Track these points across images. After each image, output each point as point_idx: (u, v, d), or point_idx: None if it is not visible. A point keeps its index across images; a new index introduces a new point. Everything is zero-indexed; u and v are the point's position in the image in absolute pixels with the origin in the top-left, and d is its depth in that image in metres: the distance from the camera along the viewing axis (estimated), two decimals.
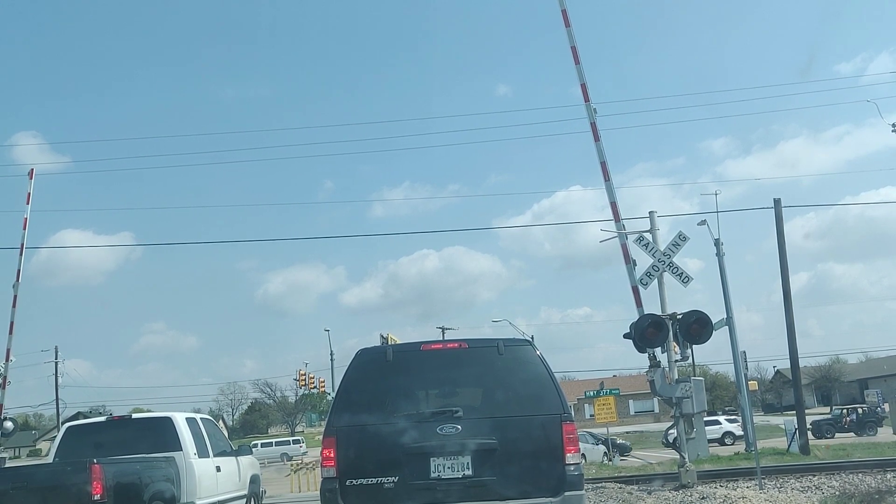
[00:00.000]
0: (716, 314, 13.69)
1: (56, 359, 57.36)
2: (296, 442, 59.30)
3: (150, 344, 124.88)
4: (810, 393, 74.81)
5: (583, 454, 25.16)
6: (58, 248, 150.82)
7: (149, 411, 25.28)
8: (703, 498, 11.50)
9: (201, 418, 11.63)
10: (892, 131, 22.85)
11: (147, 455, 9.86)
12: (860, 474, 14.06)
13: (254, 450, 16.45)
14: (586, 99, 15.11)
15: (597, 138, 14.85)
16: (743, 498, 11.05)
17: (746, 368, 26.97)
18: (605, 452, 32.57)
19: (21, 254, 19.07)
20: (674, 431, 13.67)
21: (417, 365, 6.93)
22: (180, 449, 10.15)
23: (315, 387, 46.35)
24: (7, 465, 16.53)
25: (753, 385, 60.72)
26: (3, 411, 18.46)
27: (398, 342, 22.24)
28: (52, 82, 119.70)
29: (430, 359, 6.98)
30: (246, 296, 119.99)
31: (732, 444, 39.21)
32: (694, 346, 13.85)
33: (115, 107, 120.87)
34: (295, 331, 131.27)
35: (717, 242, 25.41)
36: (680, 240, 14.68)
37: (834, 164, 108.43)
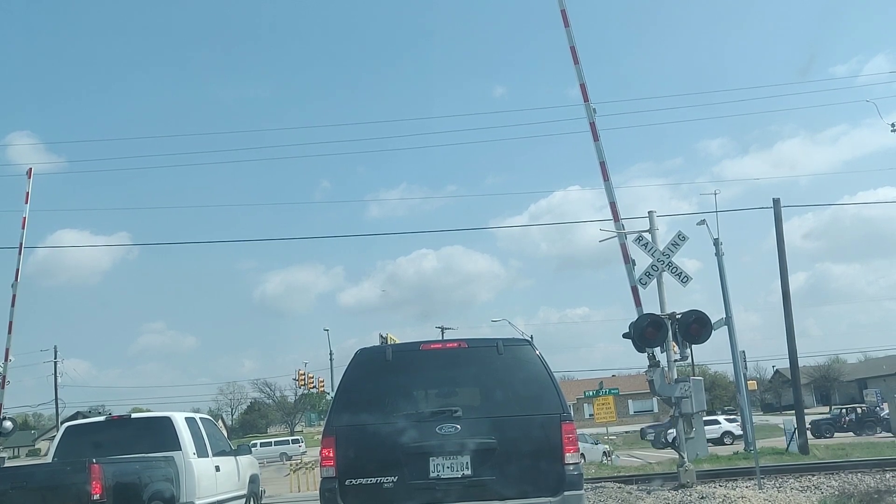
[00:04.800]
0: (714, 314, 13.68)
1: (55, 359, 57.46)
2: (295, 441, 59.24)
3: (149, 344, 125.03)
4: (809, 393, 74.83)
5: (582, 454, 25.17)
6: (56, 248, 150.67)
7: (148, 411, 25.24)
8: (702, 497, 11.50)
9: (200, 418, 11.62)
10: (892, 131, 22.89)
11: (146, 455, 9.85)
12: (859, 474, 14.07)
13: (253, 450, 16.42)
14: (585, 99, 15.10)
15: (596, 138, 14.84)
16: (742, 497, 11.06)
17: (745, 368, 26.99)
18: (604, 452, 32.60)
19: (20, 253, 19.05)
20: (673, 431, 13.67)
21: (417, 365, 6.93)
22: (179, 449, 10.14)
23: (314, 386, 46.35)
24: (6, 465, 16.52)
25: (752, 385, 60.69)
26: (3, 411, 18.43)
27: (397, 342, 22.25)
28: (49, 83, 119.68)
29: (430, 358, 6.97)
30: (245, 296, 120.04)
31: (732, 444, 39.22)
32: (693, 345, 13.84)
33: (114, 107, 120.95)
34: (294, 331, 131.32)
35: (716, 242, 25.40)
36: (679, 239, 14.68)
37: (831, 164, 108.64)
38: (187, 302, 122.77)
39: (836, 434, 41.01)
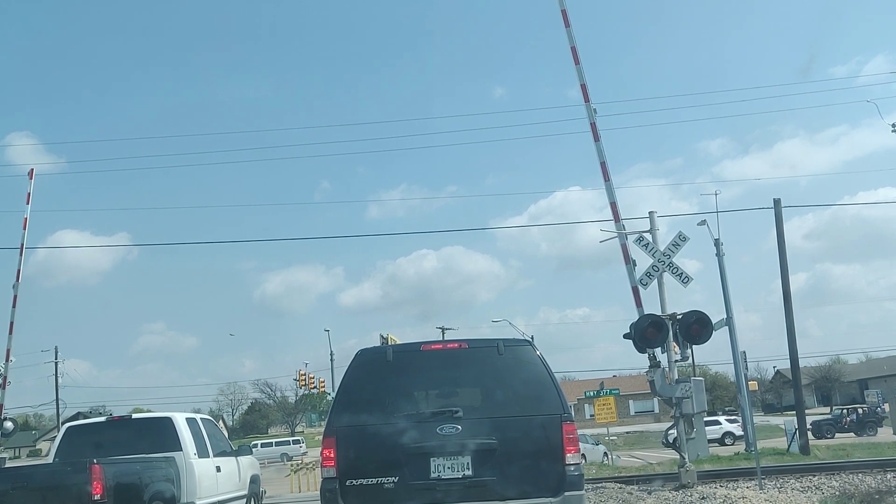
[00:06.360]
0: (715, 314, 13.70)
1: (56, 359, 57.45)
2: (296, 442, 59.30)
3: (149, 344, 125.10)
4: (810, 393, 74.78)
5: (583, 454, 25.15)
6: (56, 249, 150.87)
7: (149, 411, 25.27)
8: (703, 498, 11.50)
9: (201, 418, 11.63)
10: (893, 131, 22.90)
11: (147, 455, 9.85)
12: (860, 474, 14.05)
13: (253, 450, 16.43)
14: (586, 99, 15.12)
15: (597, 138, 14.86)
16: (743, 498, 11.05)
17: (746, 368, 26.91)
18: (605, 452, 32.58)
19: (21, 254, 19.08)
20: (674, 431, 13.67)
21: (417, 365, 6.94)
22: (180, 449, 10.15)
23: (315, 387, 46.34)
24: (7, 465, 16.53)
25: (753, 385, 60.69)
26: (3, 411, 18.46)
27: (398, 342, 22.25)
28: (49, 83, 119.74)
29: (430, 359, 6.98)
30: (245, 296, 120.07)
31: (732, 445, 39.19)
32: (694, 346, 13.84)
33: (114, 107, 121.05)
34: (294, 331, 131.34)
35: (716, 242, 25.46)
36: (680, 240, 14.69)
37: (831, 164, 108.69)
38: (187, 302, 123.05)
39: (837, 434, 40.97)
